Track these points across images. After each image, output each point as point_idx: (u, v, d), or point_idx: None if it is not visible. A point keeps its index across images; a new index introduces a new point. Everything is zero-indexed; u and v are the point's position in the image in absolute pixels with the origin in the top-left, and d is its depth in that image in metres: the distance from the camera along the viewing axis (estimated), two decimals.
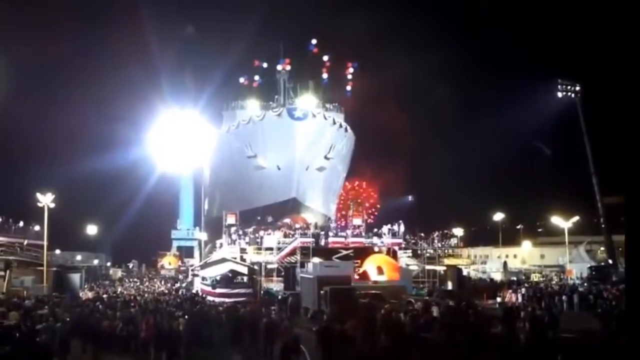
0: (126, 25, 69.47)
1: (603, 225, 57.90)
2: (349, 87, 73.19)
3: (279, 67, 72.42)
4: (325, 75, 72.22)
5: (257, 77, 74.07)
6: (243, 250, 51.49)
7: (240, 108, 71.85)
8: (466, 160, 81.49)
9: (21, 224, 54.45)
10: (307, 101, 66.09)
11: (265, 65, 73.96)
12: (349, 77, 72.86)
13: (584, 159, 58.31)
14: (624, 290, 25.63)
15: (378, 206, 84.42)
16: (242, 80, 73.64)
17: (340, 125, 64.68)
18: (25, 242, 51.80)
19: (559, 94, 59.71)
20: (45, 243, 48.40)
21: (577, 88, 59.35)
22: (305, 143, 60.37)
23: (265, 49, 72.92)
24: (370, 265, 44.93)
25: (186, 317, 24.66)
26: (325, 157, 62.84)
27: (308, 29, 72.73)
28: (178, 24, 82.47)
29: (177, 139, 72.97)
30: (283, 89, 72.13)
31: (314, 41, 72.14)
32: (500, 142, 73.40)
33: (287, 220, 60.46)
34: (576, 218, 61.25)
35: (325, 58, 72.02)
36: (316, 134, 60.78)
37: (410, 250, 53.92)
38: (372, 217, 75.56)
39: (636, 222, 8.28)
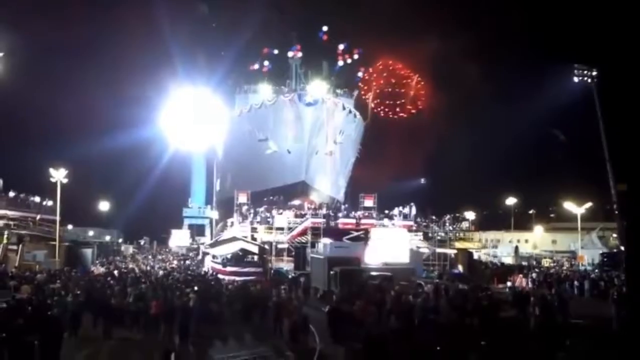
0: (139, 3, 69.22)
1: (616, 212, 57.49)
2: (360, 73, 73.74)
3: (290, 54, 73.38)
4: (340, 62, 73.36)
5: (266, 63, 74.87)
6: (254, 230, 51.68)
7: (253, 92, 72.96)
8: (480, 144, 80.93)
9: (37, 199, 54.86)
10: (318, 87, 66.52)
11: (275, 52, 74.80)
12: (353, 62, 74.27)
13: (599, 145, 57.72)
14: (624, 274, 25.63)
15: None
16: (253, 67, 74.55)
17: (350, 111, 65.19)
18: (38, 217, 52.15)
19: (575, 79, 59.05)
20: (57, 218, 48.71)
21: (594, 73, 58.67)
22: (315, 128, 60.97)
23: (277, 33, 73.22)
24: None
25: (197, 292, 24.84)
26: (335, 142, 63.20)
27: (320, 14, 72.73)
28: (191, 2, 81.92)
29: (190, 117, 72.98)
30: (295, 75, 72.71)
31: (324, 28, 72.91)
32: (515, 127, 72.73)
33: (296, 202, 60.91)
34: (589, 204, 60.94)
35: (338, 45, 73.17)
36: (326, 119, 61.20)
37: (421, 233, 53.84)
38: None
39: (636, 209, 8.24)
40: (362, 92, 74.48)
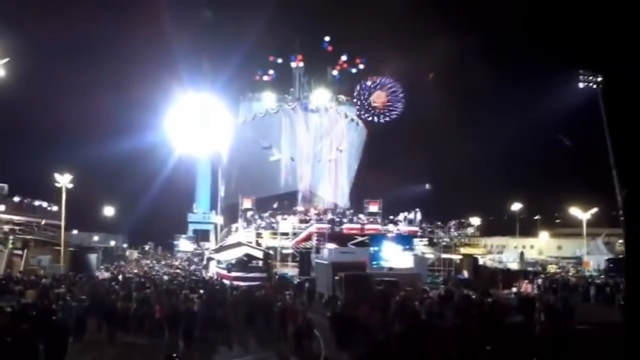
0: (143, 8, 69.27)
1: (622, 218, 57.15)
2: (369, 82, 74.17)
3: (293, 65, 74.48)
4: (335, 72, 74.18)
5: (271, 72, 76.08)
6: (259, 235, 51.79)
7: (257, 100, 73.80)
8: (485, 149, 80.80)
9: (42, 204, 54.94)
10: (321, 95, 67.14)
11: (279, 60, 76.03)
12: (356, 71, 75.44)
13: (604, 150, 57.55)
14: (624, 281, 25.44)
15: None
16: (257, 76, 75.98)
17: (352, 119, 65.79)
18: (43, 222, 52.21)
19: (580, 85, 58.94)
20: (62, 223, 48.74)
21: (599, 79, 58.54)
22: (318, 135, 62.05)
23: (280, 42, 73.90)
24: None
25: (202, 296, 24.84)
26: (338, 149, 63.76)
27: (323, 22, 73.31)
28: (195, 8, 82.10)
29: (195, 122, 73.06)
30: (298, 83, 73.33)
31: (327, 38, 73.70)
32: (520, 132, 72.58)
33: (300, 208, 61.25)
34: (595, 210, 60.68)
35: (340, 55, 74.83)
36: (329, 127, 62.13)
37: (426, 239, 53.80)
38: None
39: (636, 216, 8.16)
40: (369, 102, 74.90)
